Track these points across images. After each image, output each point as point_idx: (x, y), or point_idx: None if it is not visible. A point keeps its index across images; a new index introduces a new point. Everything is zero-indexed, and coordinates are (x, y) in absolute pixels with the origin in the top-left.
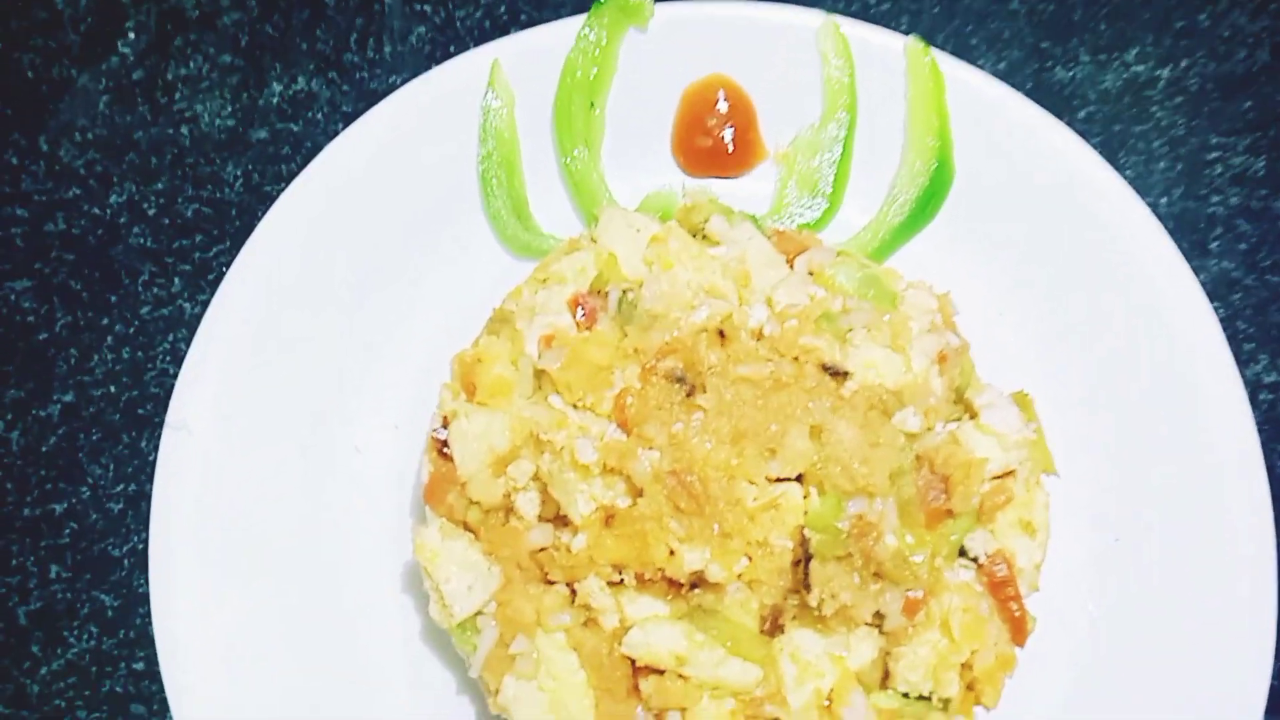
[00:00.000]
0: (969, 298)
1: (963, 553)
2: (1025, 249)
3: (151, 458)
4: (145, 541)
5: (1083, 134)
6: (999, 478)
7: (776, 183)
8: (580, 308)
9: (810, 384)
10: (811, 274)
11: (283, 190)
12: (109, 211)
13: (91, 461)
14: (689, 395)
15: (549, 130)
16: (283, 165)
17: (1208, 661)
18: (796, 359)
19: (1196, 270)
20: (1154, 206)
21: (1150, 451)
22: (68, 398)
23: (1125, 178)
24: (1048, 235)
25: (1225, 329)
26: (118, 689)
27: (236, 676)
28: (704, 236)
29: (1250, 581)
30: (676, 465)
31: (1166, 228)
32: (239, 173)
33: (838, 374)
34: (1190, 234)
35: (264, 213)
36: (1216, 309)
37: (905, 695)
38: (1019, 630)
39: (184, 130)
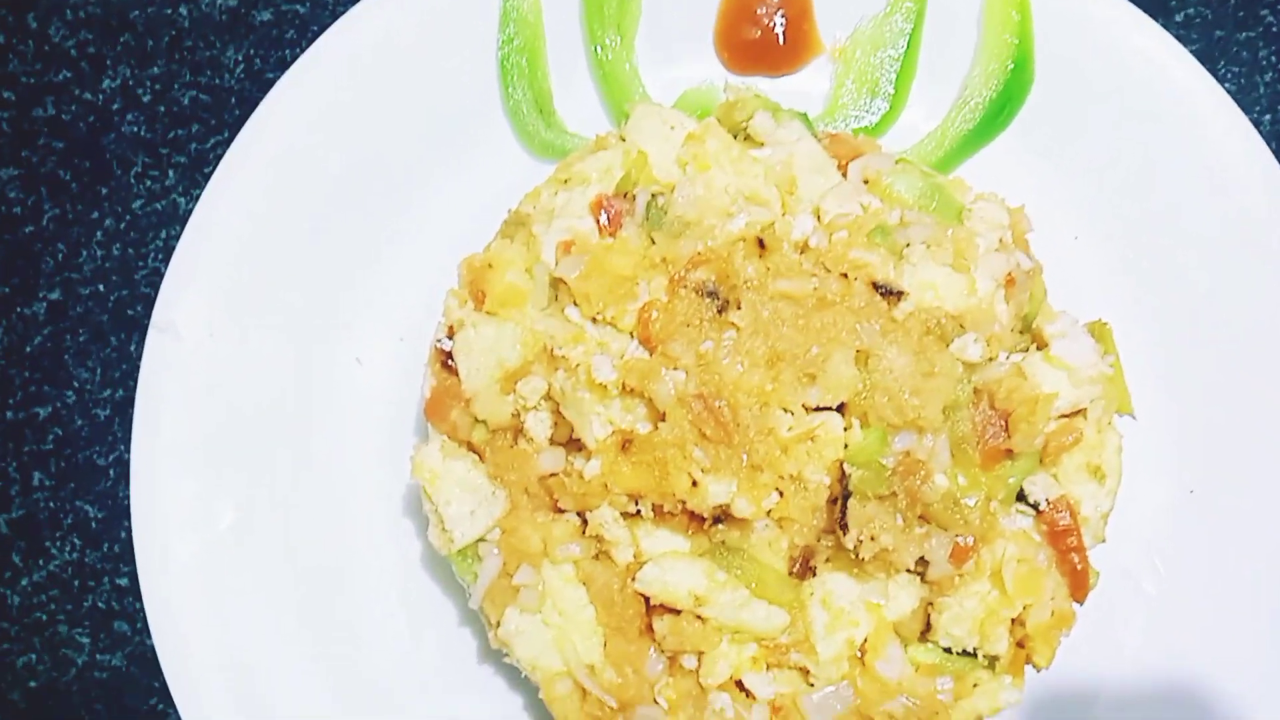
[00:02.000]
0: (1041, 218)
1: (1021, 497)
2: (1108, 166)
3: (141, 362)
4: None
5: (1180, 39)
6: (1067, 416)
7: (831, 82)
8: (604, 211)
9: (859, 304)
10: (866, 182)
11: None
12: (101, 97)
13: (78, 364)
14: (721, 311)
15: (578, 15)
16: (287, 50)
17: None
18: (845, 275)
19: None
20: (1256, 123)
21: (1238, 398)
22: (54, 295)
23: (1226, 90)
24: (1134, 151)
25: None
26: (100, 604)
27: (220, 600)
28: (746, 137)
29: None
30: (704, 388)
31: (1270, 148)
32: (240, 57)
33: (891, 294)
34: None
35: None
36: None
37: (947, 650)
38: (1079, 585)
39: (182, 10)
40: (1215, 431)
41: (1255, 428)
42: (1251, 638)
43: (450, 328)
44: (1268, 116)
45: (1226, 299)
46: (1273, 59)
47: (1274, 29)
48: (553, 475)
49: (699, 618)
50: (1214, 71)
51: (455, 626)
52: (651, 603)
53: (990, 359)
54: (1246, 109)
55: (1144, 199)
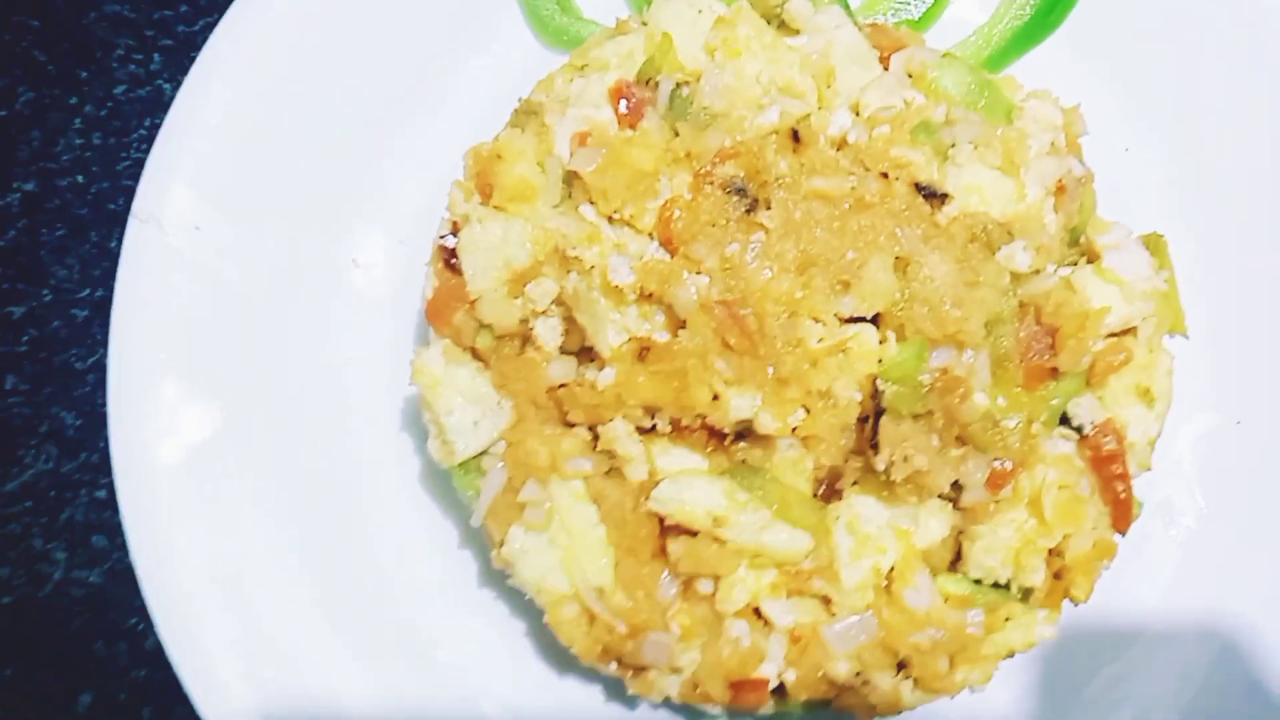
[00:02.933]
0: (1091, 125)
1: (1064, 420)
2: (1164, 72)
3: (120, 255)
4: None
5: None
6: (1117, 335)
7: None
8: (624, 100)
9: (899, 206)
10: (910, 76)
11: None
12: None
13: (55, 261)
14: (749, 211)
15: None
16: None
17: None
18: (885, 175)
19: None
20: None
21: None
22: (29, 186)
23: None
24: (1192, 57)
25: None
26: (78, 518)
27: (205, 512)
28: (781, 23)
29: None
30: (728, 294)
31: None
32: None
33: (934, 196)
34: None
35: None
36: None
37: (978, 582)
38: (1123, 515)
39: None
40: (1268, 359)
41: None
42: None
43: (455, 223)
44: None
45: None
46: None
47: None
48: (563, 386)
49: (717, 540)
50: None
51: (455, 548)
52: (666, 523)
53: (1037, 270)
54: None
55: (1200, 109)
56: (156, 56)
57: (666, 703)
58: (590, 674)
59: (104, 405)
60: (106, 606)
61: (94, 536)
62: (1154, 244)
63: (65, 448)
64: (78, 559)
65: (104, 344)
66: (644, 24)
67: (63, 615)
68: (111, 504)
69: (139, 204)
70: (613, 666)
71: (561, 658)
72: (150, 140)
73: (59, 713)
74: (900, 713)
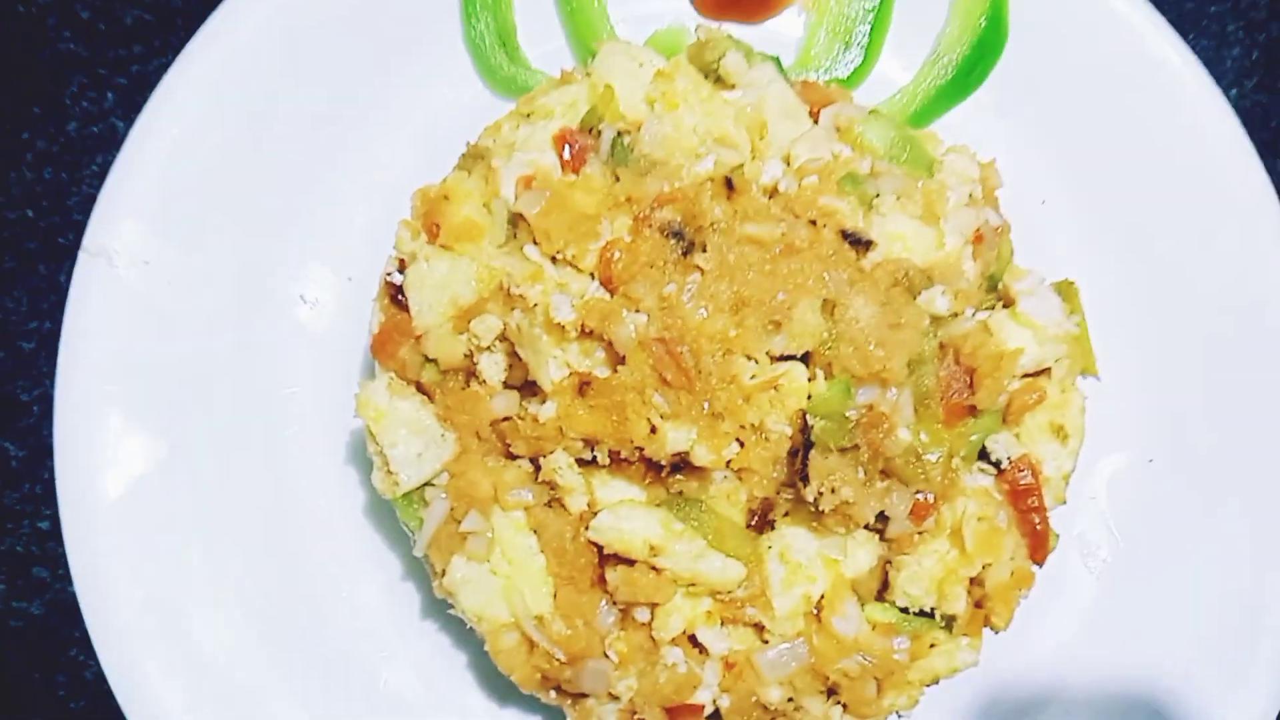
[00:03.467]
0: (1010, 180)
1: (983, 455)
2: (1078, 129)
3: (70, 288)
4: None
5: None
6: (1032, 375)
7: (805, 30)
8: (568, 146)
9: (827, 252)
10: (838, 130)
11: None
12: (35, 9)
13: (2, 293)
14: (686, 254)
15: None
16: None
17: (1236, 609)
18: (813, 222)
19: (1268, 170)
20: (1224, 95)
21: (1203, 369)
22: None
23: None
24: (1105, 115)
25: None
26: (19, 548)
27: (148, 544)
28: (717, 78)
29: None
30: (666, 332)
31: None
32: None
33: (859, 243)
34: (1262, 131)
35: None
36: None
37: (904, 610)
38: (1039, 546)
39: None
40: (1178, 400)
41: (1218, 399)
42: (1200, 615)
43: (401, 261)
44: (1234, 90)
45: (1192, 270)
46: (1240, 34)
47: (1242, 4)
48: (506, 419)
49: (653, 568)
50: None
51: (398, 580)
52: (605, 552)
53: (956, 314)
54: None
55: (1112, 164)
56: (110, 95)
57: None
58: (531, 704)
59: (48, 437)
60: (45, 638)
61: (34, 567)
62: (1066, 290)
63: (8, 478)
64: (17, 589)
65: (49, 376)
66: (588, 75)
67: (1, 647)
68: (53, 535)
69: (89, 238)
70: (552, 695)
71: (503, 688)
72: (101, 177)
73: None
74: None
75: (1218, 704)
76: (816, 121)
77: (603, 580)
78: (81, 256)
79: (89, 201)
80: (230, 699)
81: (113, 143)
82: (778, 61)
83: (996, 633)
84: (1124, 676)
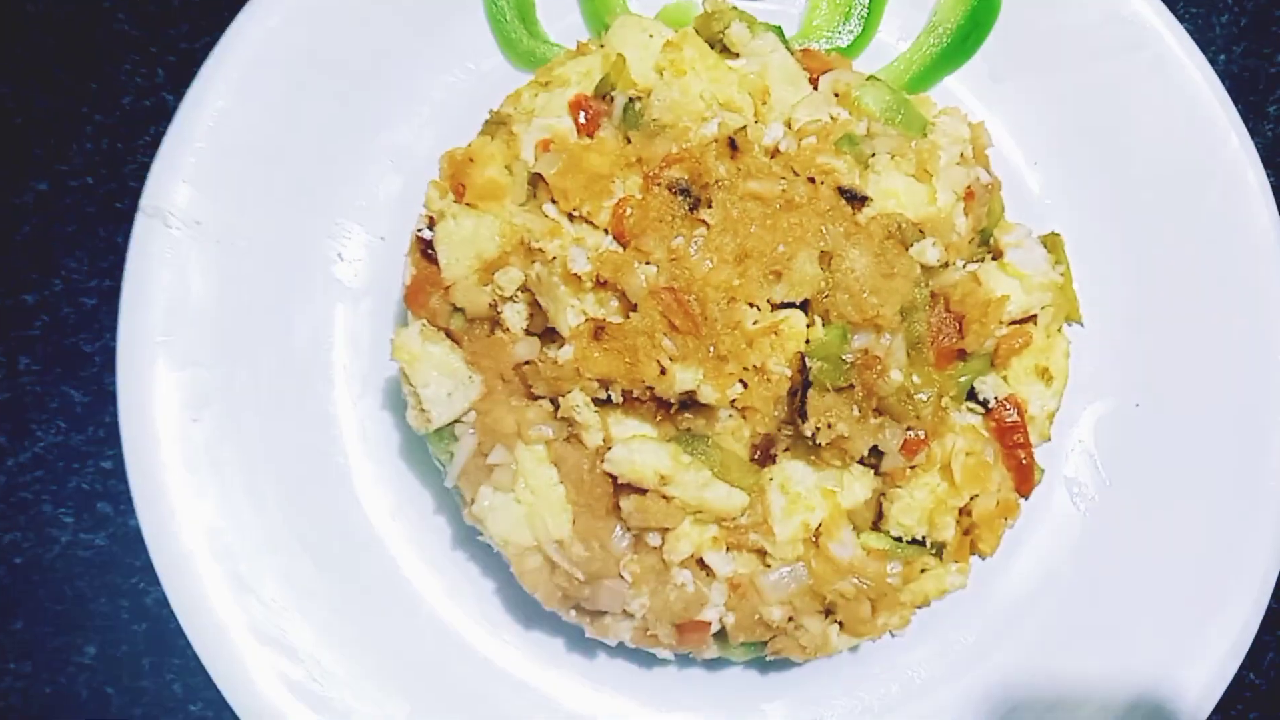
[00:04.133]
0: (1003, 143)
1: (972, 396)
2: (1068, 94)
3: (129, 246)
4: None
5: None
6: (1018, 322)
7: (806, 3)
8: (583, 111)
9: (825, 207)
10: (836, 95)
11: None
12: None
13: (65, 254)
14: (693, 209)
15: None
16: None
17: (1215, 543)
18: (812, 179)
19: (1251, 134)
20: (1212, 62)
21: (1185, 317)
22: (43, 186)
23: (1184, 28)
24: (1094, 82)
25: (1277, 198)
26: (84, 486)
27: (204, 481)
28: (723, 48)
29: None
30: (674, 282)
31: (1224, 86)
32: None
33: (855, 199)
34: (1248, 95)
35: None
36: (1270, 176)
37: (897, 539)
38: (1025, 479)
39: None
40: (1159, 349)
41: (1199, 345)
42: (1182, 550)
43: (431, 218)
44: (1222, 56)
45: (1172, 227)
46: (1229, 1)
47: None
48: (527, 363)
49: (664, 497)
50: (1173, 9)
51: (430, 514)
52: (619, 482)
53: (947, 264)
54: (1202, 47)
55: (1100, 126)
56: (160, 71)
57: (621, 649)
58: (555, 627)
59: (109, 384)
60: (109, 567)
61: (99, 503)
62: (1051, 242)
63: (74, 422)
64: (84, 523)
65: (109, 329)
66: (601, 46)
67: (69, 575)
68: (116, 473)
69: (146, 200)
70: (572, 613)
71: (529, 612)
72: (154, 146)
73: (66, 664)
74: (829, 654)
75: (1195, 632)
76: (816, 88)
77: (617, 508)
78: (139, 216)
79: (143, 169)
80: (279, 615)
81: (163, 115)
82: (780, 31)
83: (984, 559)
84: (1108, 604)
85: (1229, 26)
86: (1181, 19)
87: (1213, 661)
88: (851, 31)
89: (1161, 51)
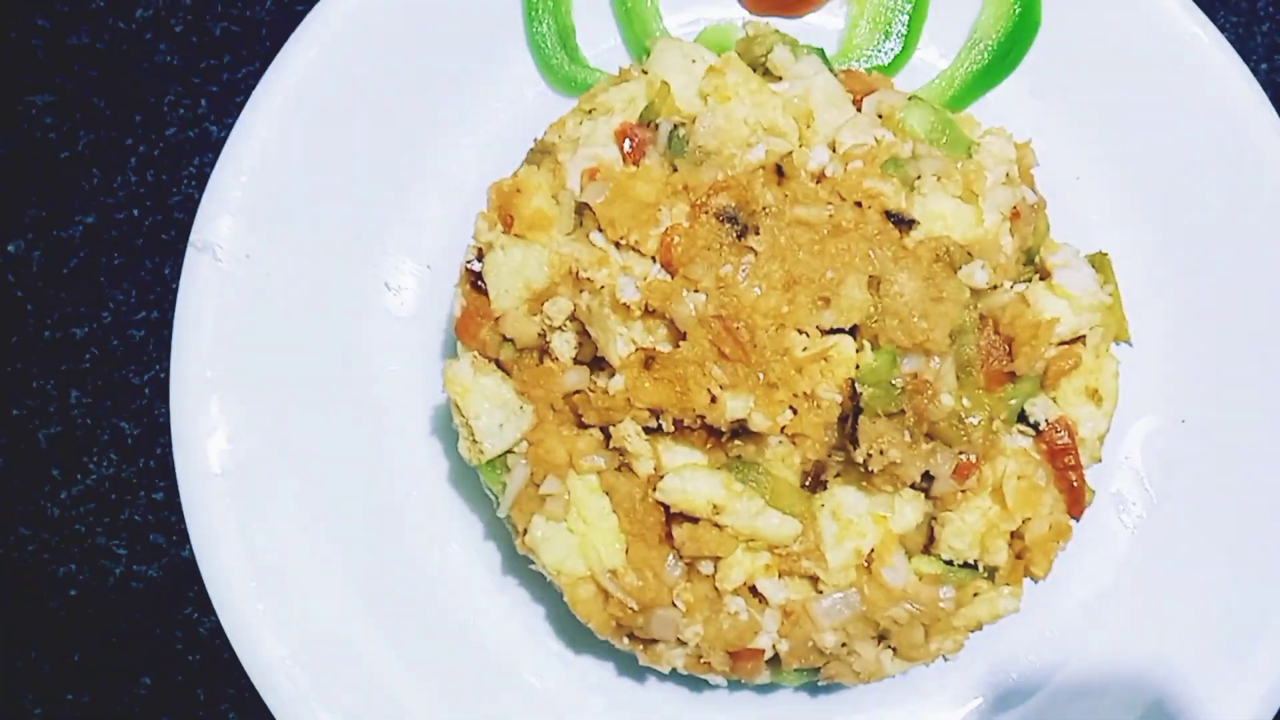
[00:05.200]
0: (1046, 159)
1: (1022, 418)
2: (1110, 108)
3: (174, 285)
4: (167, 370)
5: None
6: (1067, 342)
7: (846, 22)
8: (628, 140)
9: (872, 231)
10: (880, 117)
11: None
12: (134, 26)
13: (113, 286)
14: (740, 237)
15: None
16: None
17: (1265, 564)
18: (859, 204)
19: None
20: (1254, 71)
21: (1232, 333)
22: (89, 219)
23: (1225, 38)
24: (1136, 95)
25: None
26: (136, 518)
27: (256, 512)
28: (765, 71)
29: None
30: (723, 309)
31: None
32: None
33: (902, 222)
34: None
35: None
36: None
37: (949, 563)
38: (1076, 501)
39: None
40: (1208, 365)
41: (1246, 365)
42: (1232, 569)
43: (479, 250)
44: (1264, 65)
45: (1219, 240)
46: (1270, 9)
47: None
48: (578, 392)
49: (716, 525)
50: (1214, 19)
51: (480, 540)
52: (671, 511)
53: (995, 286)
54: (1244, 57)
55: (1143, 140)
56: (203, 101)
57: (673, 674)
58: (605, 652)
59: (159, 416)
60: (163, 598)
61: (152, 534)
62: (1099, 262)
63: (125, 454)
64: (137, 555)
65: (159, 361)
66: (644, 72)
67: (124, 606)
68: (168, 505)
69: (196, 234)
70: (625, 641)
71: (579, 638)
72: (199, 177)
73: (123, 693)
74: (881, 679)
75: (1244, 656)
76: (860, 109)
77: (670, 537)
78: (189, 251)
79: (188, 201)
80: (331, 647)
81: (207, 145)
82: (822, 53)
83: (1036, 582)
84: (1156, 626)
85: (1270, 35)
86: (1222, 29)
87: (1262, 687)
88: (892, 49)
89: (1203, 63)
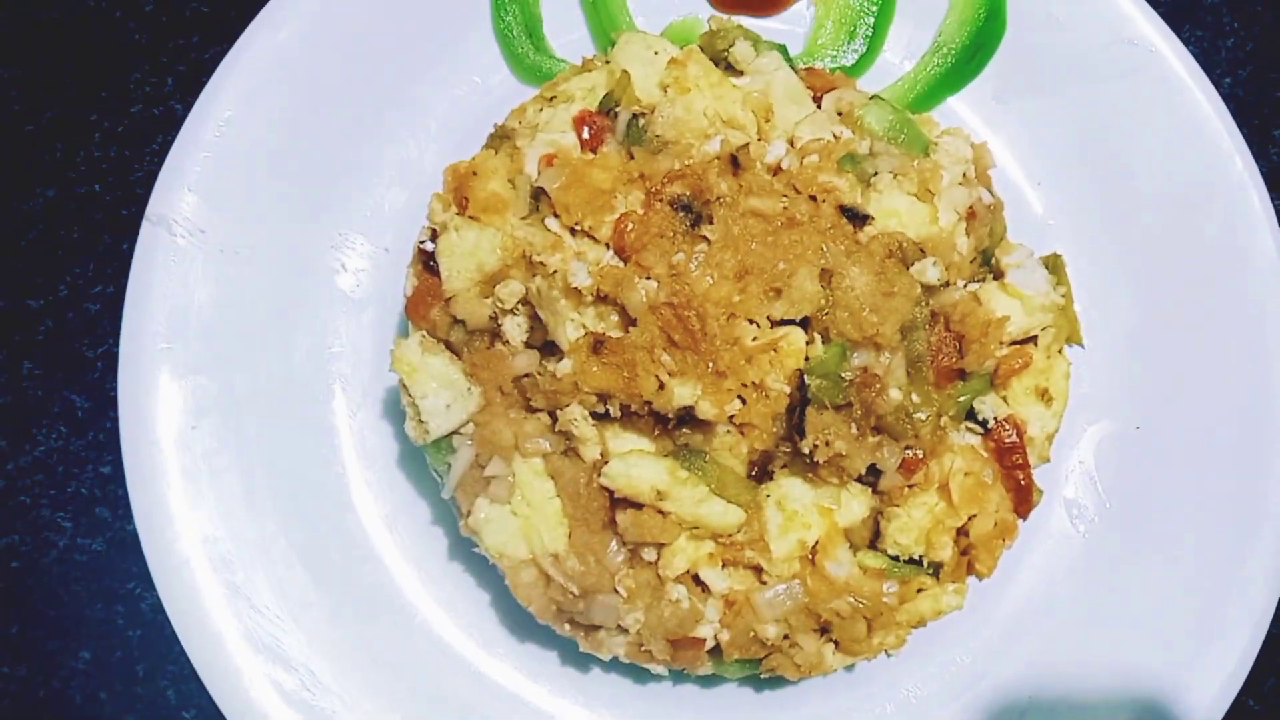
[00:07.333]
0: (1007, 162)
1: (971, 416)
2: (1074, 116)
3: (134, 253)
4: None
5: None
6: (1019, 342)
7: (811, 23)
8: (587, 127)
9: (825, 225)
10: (840, 114)
11: None
12: (104, 3)
13: (71, 260)
14: (694, 226)
15: None
16: None
17: (1215, 567)
18: (813, 198)
19: (1256, 157)
20: (1217, 85)
21: (1183, 342)
22: (50, 192)
23: (1189, 52)
24: (1098, 104)
25: None
26: (84, 491)
27: (202, 488)
28: (727, 65)
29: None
30: (674, 297)
31: (1229, 109)
32: None
33: (856, 217)
34: (1252, 118)
35: None
36: (1274, 200)
37: (895, 558)
38: (1023, 500)
39: None
40: (1162, 372)
41: (1202, 368)
42: (1183, 574)
43: (433, 230)
44: (1228, 79)
45: (1175, 248)
46: (1234, 25)
47: None
48: (526, 375)
49: (660, 512)
50: (1179, 34)
51: (427, 525)
52: (615, 496)
53: (947, 284)
54: (1207, 70)
55: (1105, 149)
56: (169, 80)
57: (615, 663)
58: (547, 640)
59: (110, 390)
60: (106, 572)
61: (98, 508)
62: (1053, 263)
63: (75, 427)
64: (82, 528)
65: (112, 335)
66: (606, 62)
67: (65, 579)
68: (114, 478)
69: (151, 208)
70: (566, 627)
71: (522, 625)
72: (161, 155)
73: (61, 667)
74: (824, 673)
75: (1195, 657)
76: (819, 106)
77: (613, 522)
78: (144, 225)
79: (150, 177)
80: (274, 624)
81: (172, 124)
82: (784, 49)
83: (981, 579)
84: (1106, 627)
85: (1235, 50)
86: (1187, 42)
87: (1212, 687)
88: (856, 51)
89: (1166, 74)
